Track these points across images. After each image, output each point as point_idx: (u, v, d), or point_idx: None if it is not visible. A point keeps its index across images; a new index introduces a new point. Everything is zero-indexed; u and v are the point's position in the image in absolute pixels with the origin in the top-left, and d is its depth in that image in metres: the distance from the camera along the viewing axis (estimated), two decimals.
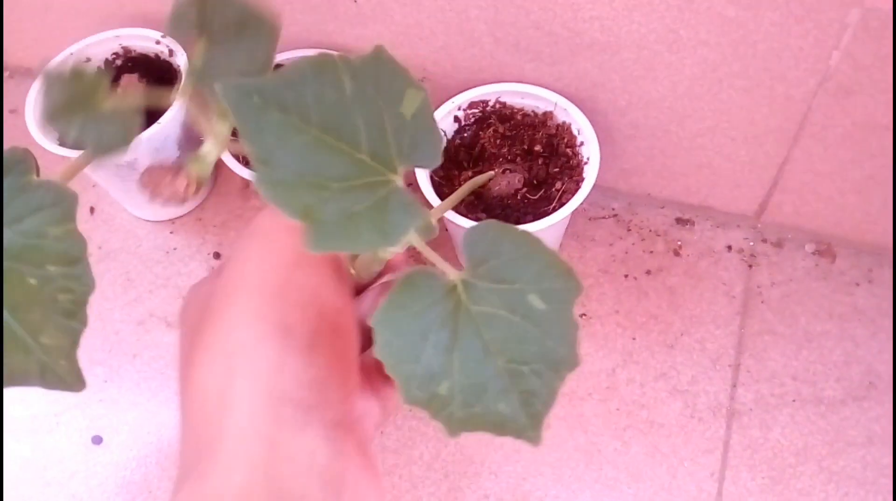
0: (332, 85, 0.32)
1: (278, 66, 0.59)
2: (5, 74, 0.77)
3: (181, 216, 0.67)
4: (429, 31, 0.55)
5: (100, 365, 0.61)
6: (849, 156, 0.52)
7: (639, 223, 0.62)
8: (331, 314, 0.35)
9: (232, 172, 0.57)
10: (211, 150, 0.39)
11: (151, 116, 0.56)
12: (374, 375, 0.40)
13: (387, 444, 0.55)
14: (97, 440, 0.58)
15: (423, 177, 0.53)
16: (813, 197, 0.57)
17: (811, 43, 0.46)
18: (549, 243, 0.59)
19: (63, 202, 0.33)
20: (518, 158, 0.55)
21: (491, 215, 0.53)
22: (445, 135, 0.57)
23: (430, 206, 0.51)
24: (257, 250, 0.35)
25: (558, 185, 0.53)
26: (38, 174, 0.35)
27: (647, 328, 0.58)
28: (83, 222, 0.68)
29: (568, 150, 0.55)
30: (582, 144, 0.54)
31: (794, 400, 0.54)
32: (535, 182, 0.54)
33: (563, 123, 0.56)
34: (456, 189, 0.51)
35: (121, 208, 0.68)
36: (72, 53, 0.62)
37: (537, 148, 0.55)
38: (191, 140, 0.62)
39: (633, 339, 0.57)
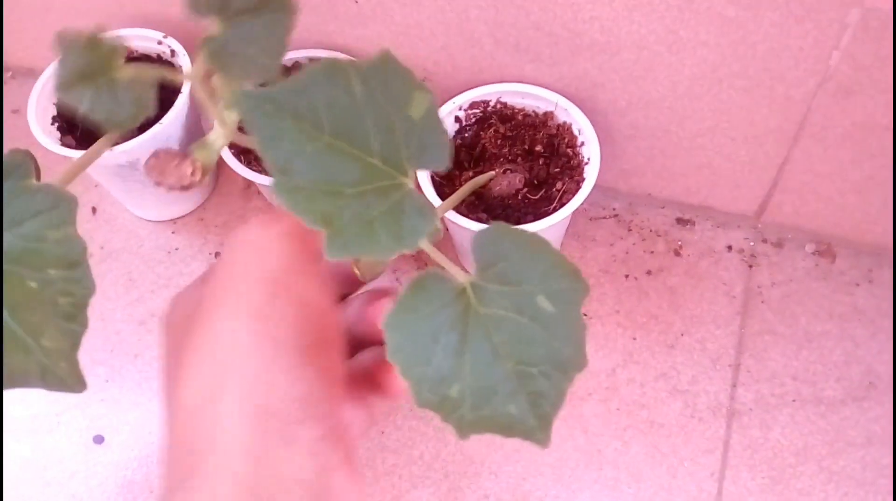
0: (342, 90, 0.32)
1: (282, 66, 0.59)
2: (7, 74, 0.77)
3: (183, 216, 0.67)
4: (429, 31, 0.55)
5: (101, 365, 0.61)
6: (848, 156, 0.52)
7: (639, 223, 0.62)
8: (319, 326, 0.35)
9: (233, 172, 0.57)
10: (218, 137, 0.39)
11: (154, 115, 0.56)
12: (360, 382, 0.40)
13: (387, 444, 0.55)
14: (98, 439, 0.58)
15: (424, 177, 0.53)
16: (813, 197, 0.57)
17: (811, 43, 0.46)
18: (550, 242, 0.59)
19: (62, 206, 0.33)
20: (519, 159, 0.55)
21: (491, 215, 0.53)
22: None
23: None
24: (244, 262, 0.35)
25: (559, 185, 0.53)
26: (38, 177, 0.35)
27: (647, 328, 0.58)
28: (85, 222, 0.68)
29: (568, 150, 0.55)
30: (582, 144, 0.54)
31: (794, 400, 0.54)
32: (535, 182, 0.54)
33: (564, 123, 0.56)
34: (457, 189, 0.52)
35: (123, 208, 0.68)
36: None
37: (538, 148, 0.55)
38: (193, 140, 0.62)
39: (634, 339, 0.57)
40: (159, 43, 0.63)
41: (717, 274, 0.60)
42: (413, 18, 0.55)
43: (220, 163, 0.59)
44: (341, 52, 0.60)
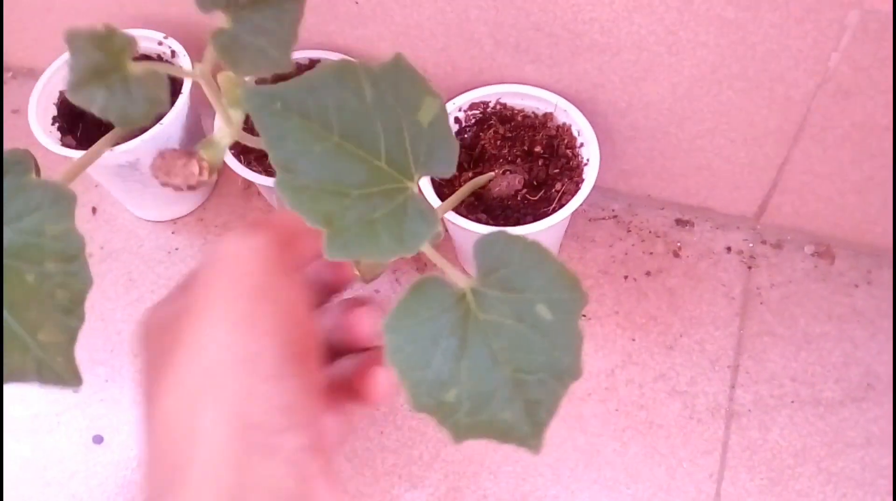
0: (353, 92, 0.32)
1: None
2: (8, 74, 0.78)
3: (183, 217, 0.67)
4: (429, 32, 0.55)
5: (101, 365, 0.61)
6: (848, 157, 0.53)
7: (638, 225, 0.63)
8: (298, 337, 0.35)
9: (233, 172, 0.57)
10: (224, 136, 0.39)
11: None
12: (338, 390, 0.41)
13: (386, 444, 0.55)
14: (98, 439, 0.58)
15: (424, 178, 0.53)
16: (812, 198, 0.57)
17: (810, 44, 0.46)
18: (549, 244, 0.60)
19: (61, 201, 0.33)
20: (518, 160, 0.56)
21: (491, 216, 0.53)
22: None
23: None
24: (224, 275, 0.35)
25: (558, 186, 0.53)
26: (37, 174, 0.35)
27: (646, 329, 0.58)
28: (85, 223, 0.68)
29: (568, 151, 0.55)
30: (582, 145, 0.55)
31: (792, 401, 0.54)
32: (535, 183, 0.55)
33: (564, 124, 0.56)
34: (456, 190, 0.52)
35: (123, 209, 0.68)
36: None
37: (537, 149, 0.55)
38: (193, 141, 0.62)
39: (633, 340, 0.57)
40: (160, 44, 0.63)
41: (716, 275, 0.60)
42: (413, 19, 0.55)
43: (222, 163, 0.58)
44: (342, 52, 0.60)
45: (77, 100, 0.36)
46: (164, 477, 0.33)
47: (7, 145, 0.34)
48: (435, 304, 0.33)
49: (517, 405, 0.33)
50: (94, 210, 0.69)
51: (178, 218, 0.67)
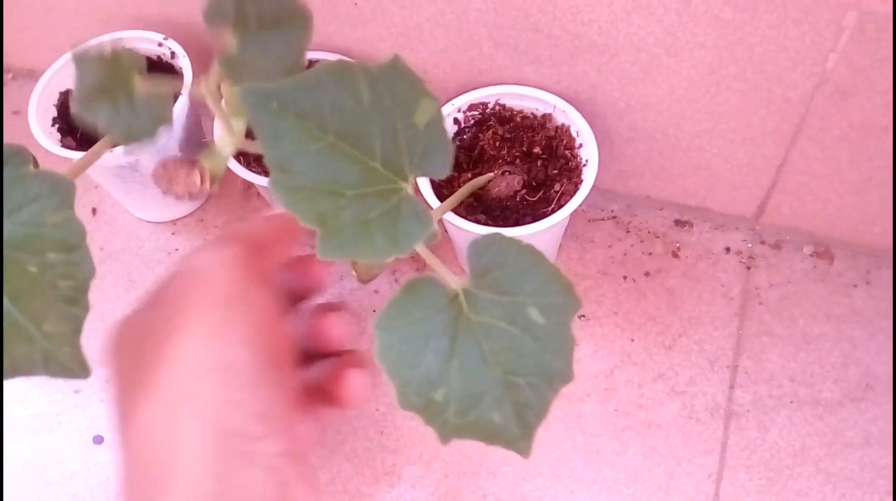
0: (350, 93, 0.33)
1: None
2: (8, 75, 0.78)
3: (183, 218, 0.67)
4: (428, 33, 0.55)
5: (102, 365, 0.61)
6: (846, 158, 0.53)
7: (637, 225, 0.63)
8: (272, 346, 0.35)
9: (233, 173, 0.57)
10: (226, 145, 0.39)
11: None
12: (311, 395, 0.41)
13: (386, 444, 0.55)
14: (98, 439, 0.58)
15: (423, 179, 0.53)
16: (811, 199, 0.57)
17: (808, 45, 0.46)
18: (548, 244, 0.60)
19: (60, 190, 0.33)
20: (517, 160, 0.56)
21: (490, 217, 0.53)
22: None
23: (429, 208, 0.52)
24: (195, 288, 0.36)
25: (557, 187, 0.54)
26: (36, 166, 0.35)
27: (645, 329, 0.58)
28: (85, 224, 0.67)
29: (567, 152, 0.55)
30: (581, 146, 0.55)
31: (791, 402, 0.54)
32: (534, 184, 0.55)
33: (562, 125, 0.56)
34: (455, 191, 0.52)
35: (123, 210, 0.68)
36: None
37: (536, 150, 0.55)
38: (193, 142, 0.62)
39: (632, 340, 0.58)
40: (160, 45, 0.63)
41: (715, 276, 0.60)
42: (412, 20, 0.55)
43: None
44: (341, 53, 0.60)
45: (83, 117, 0.36)
46: (144, 488, 0.33)
47: (7, 146, 0.34)
48: (427, 304, 0.33)
49: (506, 408, 0.33)
50: (94, 211, 0.69)
51: (178, 219, 0.67)
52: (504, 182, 0.54)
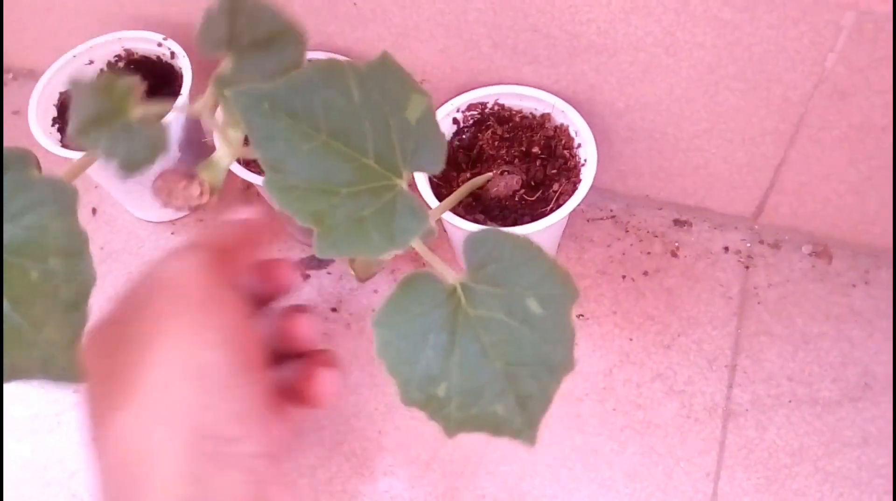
0: (340, 91, 0.33)
1: None
2: (8, 75, 0.78)
3: (182, 218, 0.67)
4: (428, 33, 0.55)
5: None
6: (845, 157, 0.53)
7: (636, 225, 0.63)
8: (243, 349, 0.36)
9: (233, 173, 0.57)
10: (224, 156, 0.39)
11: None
12: (282, 396, 0.41)
13: (384, 444, 0.55)
14: None
15: (421, 178, 0.53)
16: (810, 199, 0.57)
17: (807, 45, 0.46)
18: (546, 244, 0.60)
19: (64, 197, 0.33)
20: (516, 160, 0.56)
21: (489, 217, 0.53)
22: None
23: (428, 207, 0.52)
24: (166, 295, 0.36)
25: (556, 186, 0.54)
26: (39, 170, 0.35)
27: (644, 328, 0.58)
28: (85, 224, 0.67)
29: (565, 152, 0.55)
30: (579, 145, 0.55)
31: (790, 401, 0.54)
32: (532, 184, 0.55)
33: (561, 125, 0.56)
34: (454, 190, 0.52)
35: (123, 209, 0.68)
36: (75, 56, 0.63)
37: (535, 150, 0.56)
38: (193, 142, 0.62)
39: (631, 340, 0.58)
40: (159, 45, 0.63)
41: (713, 275, 0.60)
42: (412, 21, 0.55)
43: None
44: (341, 53, 0.61)
45: (82, 144, 0.37)
46: (121, 493, 0.33)
47: (7, 147, 0.34)
48: (425, 300, 0.33)
49: (509, 399, 0.33)
50: (94, 211, 0.69)
51: (177, 219, 0.67)
52: (503, 182, 0.54)
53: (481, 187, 0.54)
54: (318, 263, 0.62)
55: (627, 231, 0.62)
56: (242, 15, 0.39)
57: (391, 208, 0.33)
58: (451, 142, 0.58)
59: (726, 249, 0.61)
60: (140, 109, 0.38)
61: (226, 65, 0.38)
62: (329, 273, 0.62)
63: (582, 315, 0.59)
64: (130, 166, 0.37)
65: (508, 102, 0.57)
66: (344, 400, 0.57)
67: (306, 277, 0.62)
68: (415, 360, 0.33)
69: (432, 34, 0.55)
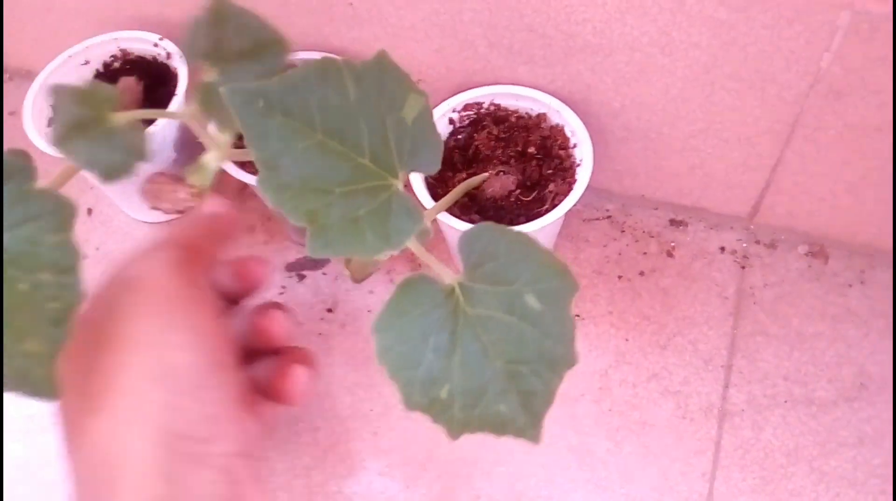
0: (336, 90, 0.33)
1: None
2: (4, 76, 0.78)
3: (178, 219, 0.67)
4: (423, 34, 0.55)
5: None
6: (841, 157, 0.53)
7: (632, 225, 0.63)
8: (214, 348, 0.36)
9: (229, 174, 0.57)
10: (212, 159, 0.39)
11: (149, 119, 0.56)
12: (252, 394, 0.41)
13: (380, 445, 0.55)
14: None
15: (416, 178, 0.53)
16: (806, 198, 0.57)
17: (802, 45, 0.46)
18: (542, 244, 0.59)
19: (61, 211, 0.33)
20: (512, 160, 0.56)
21: (484, 217, 0.53)
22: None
23: (423, 207, 0.52)
24: (133, 295, 0.36)
25: (551, 187, 0.54)
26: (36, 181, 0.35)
27: (640, 328, 0.58)
28: (81, 224, 0.68)
29: (561, 152, 0.55)
30: (575, 146, 0.55)
31: (785, 401, 0.54)
32: (528, 184, 0.55)
33: (557, 125, 0.56)
34: (450, 191, 0.52)
35: (118, 210, 0.68)
36: (70, 56, 0.63)
37: (531, 150, 0.56)
38: (188, 143, 0.62)
39: (626, 340, 0.58)
40: (155, 45, 0.63)
41: (709, 275, 0.60)
42: (408, 21, 0.55)
43: None
44: (337, 54, 0.60)
45: (62, 153, 0.37)
46: (95, 494, 0.33)
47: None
48: (423, 302, 0.33)
49: (512, 397, 0.33)
50: (89, 212, 0.69)
51: (173, 220, 0.67)
52: (498, 182, 0.54)
53: (477, 188, 0.54)
54: (313, 263, 0.62)
55: (623, 231, 0.62)
56: (228, 24, 0.39)
57: (386, 209, 0.33)
58: (446, 142, 0.58)
59: (722, 249, 0.61)
60: (120, 116, 0.38)
61: (210, 74, 0.38)
62: (325, 274, 0.62)
63: (578, 315, 0.59)
64: (109, 173, 0.37)
65: (504, 102, 0.57)
66: (339, 401, 0.56)
67: (302, 277, 0.62)
68: (416, 364, 0.33)
69: (428, 34, 0.55)
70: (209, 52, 0.38)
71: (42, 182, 0.35)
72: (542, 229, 0.50)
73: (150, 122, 0.57)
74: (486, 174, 0.54)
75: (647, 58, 0.51)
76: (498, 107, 0.57)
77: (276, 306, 0.44)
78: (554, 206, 0.51)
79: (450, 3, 0.52)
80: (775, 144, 0.53)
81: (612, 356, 0.57)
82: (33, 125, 0.59)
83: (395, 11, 0.55)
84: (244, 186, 0.67)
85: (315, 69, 0.32)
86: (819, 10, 0.44)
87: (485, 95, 0.56)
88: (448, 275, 0.34)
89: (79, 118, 0.37)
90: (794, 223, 0.60)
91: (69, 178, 0.41)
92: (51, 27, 0.70)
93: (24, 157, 0.34)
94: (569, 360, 0.33)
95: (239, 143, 0.40)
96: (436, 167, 0.34)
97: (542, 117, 0.56)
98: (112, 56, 0.64)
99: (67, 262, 0.33)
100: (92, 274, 0.35)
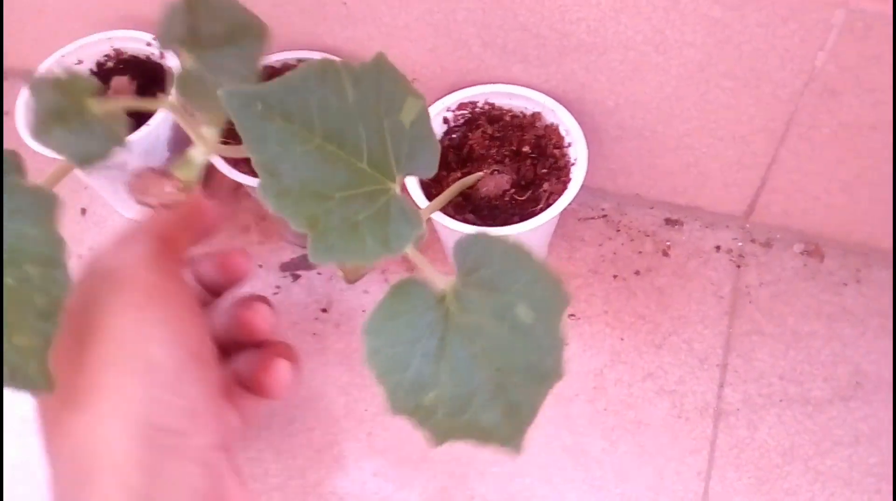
0: (335, 92, 0.32)
1: (271, 68, 0.60)
2: None
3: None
4: (417, 33, 0.55)
5: None
6: (836, 156, 0.53)
7: (628, 224, 0.63)
8: (192, 341, 0.36)
9: (222, 173, 0.57)
10: (198, 154, 0.39)
11: (142, 117, 0.56)
12: (233, 387, 0.41)
13: (375, 445, 0.55)
14: None
15: (411, 178, 0.53)
16: (801, 197, 0.57)
17: (797, 43, 0.46)
18: (537, 244, 0.60)
19: (45, 204, 0.33)
20: (506, 160, 0.56)
21: (479, 216, 0.53)
22: None
23: (417, 207, 0.51)
24: (109, 289, 0.36)
25: (546, 186, 0.53)
26: (22, 174, 0.35)
27: (635, 328, 0.58)
28: (74, 224, 0.68)
29: (556, 151, 0.55)
30: (570, 145, 0.55)
31: (781, 400, 0.54)
32: (522, 183, 0.55)
33: (551, 124, 0.56)
34: (444, 190, 0.52)
35: (112, 210, 0.68)
36: (63, 55, 0.62)
37: (525, 149, 0.55)
38: (182, 142, 0.62)
39: (622, 339, 0.57)
40: (148, 44, 0.63)
41: (705, 274, 0.60)
42: (401, 20, 0.55)
43: (209, 164, 0.58)
44: (331, 53, 0.60)
45: (39, 142, 0.37)
46: (73, 485, 0.33)
47: None
48: (415, 305, 0.33)
49: (497, 408, 0.33)
50: (83, 211, 0.68)
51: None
52: (493, 181, 0.54)
53: (471, 187, 0.54)
54: (307, 263, 0.62)
55: (619, 230, 0.62)
56: (202, 8, 0.38)
57: (385, 213, 0.33)
58: (441, 141, 0.57)
59: (717, 248, 0.61)
60: (100, 105, 0.38)
61: (186, 60, 0.38)
62: (319, 273, 0.62)
63: (573, 315, 0.58)
64: (84, 159, 0.37)
65: (498, 102, 0.57)
66: (334, 402, 0.56)
67: (296, 277, 0.62)
68: (403, 368, 0.33)
69: (422, 34, 0.55)
70: (185, 38, 0.38)
71: (35, 181, 0.35)
72: (536, 228, 0.50)
73: (143, 120, 0.57)
74: (481, 174, 0.54)
75: (642, 56, 0.51)
76: (492, 106, 0.57)
77: (261, 299, 0.44)
78: (549, 205, 0.51)
79: (444, 3, 0.52)
80: (770, 142, 0.53)
81: (608, 356, 0.57)
82: (25, 125, 0.59)
83: (389, 11, 0.54)
84: (238, 185, 0.67)
85: (314, 71, 0.32)
86: (814, 8, 0.44)
87: (479, 94, 0.56)
88: (441, 280, 0.34)
89: (57, 107, 0.37)
90: (790, 222, 0.60)
91: (62, 177, 0.41)
92: (44, 27, 0.70)
93: (10, 153, 0.34)
94: (556, 374, 0.33)
95: (227, 139, 0.40)
96: (433, 171, 0.34)
97: (536, 116, 0.56)
98: (105, 55, 0.64)
99: (53, 255, 0.33)
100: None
